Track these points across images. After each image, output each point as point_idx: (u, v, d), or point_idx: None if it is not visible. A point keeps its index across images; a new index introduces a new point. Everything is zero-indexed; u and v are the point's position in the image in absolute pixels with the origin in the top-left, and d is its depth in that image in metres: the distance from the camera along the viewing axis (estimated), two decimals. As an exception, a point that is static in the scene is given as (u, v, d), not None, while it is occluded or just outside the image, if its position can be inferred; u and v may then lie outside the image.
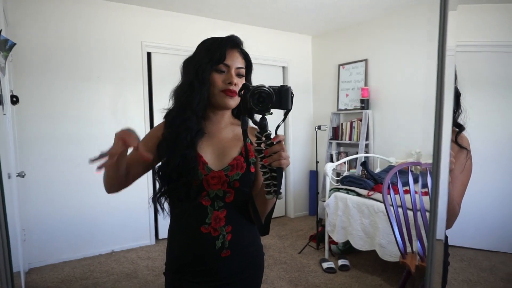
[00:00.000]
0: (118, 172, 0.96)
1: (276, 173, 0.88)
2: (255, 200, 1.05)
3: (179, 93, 1.07)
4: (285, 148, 0.87)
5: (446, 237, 1.31)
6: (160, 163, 1.05)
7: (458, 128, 1.16)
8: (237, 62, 1.07)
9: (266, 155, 0.87)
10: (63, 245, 3.25)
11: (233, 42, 1.08)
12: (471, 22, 3.22)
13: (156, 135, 1.06)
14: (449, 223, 1.13)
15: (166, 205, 1.09)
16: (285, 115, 0.89)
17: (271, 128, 0.88)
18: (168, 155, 1.02)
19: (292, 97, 0.89)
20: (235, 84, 1.05)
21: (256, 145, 0.89)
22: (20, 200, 2.92)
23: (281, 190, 0.90)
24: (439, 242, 0.49)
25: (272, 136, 0.88)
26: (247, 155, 0.99)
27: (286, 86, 0.88)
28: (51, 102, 3.18)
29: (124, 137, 0.86)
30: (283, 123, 0.89)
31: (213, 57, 1.04)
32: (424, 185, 2.61)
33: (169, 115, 1.08)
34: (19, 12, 3.01)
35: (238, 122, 1.13)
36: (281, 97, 0.88)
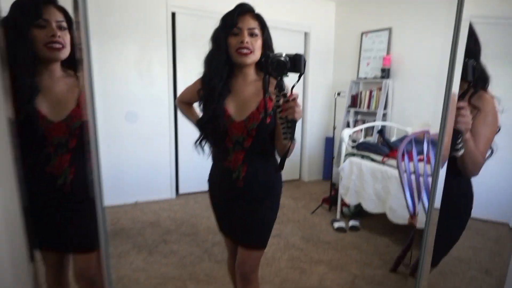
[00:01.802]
0: None
1: (290, 123, 1.14)
2: (277, 143, 1.35)
3: (205, 60, 1.35)
4: (298, 103, 1.13)
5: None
6: (199, 118, 1.42)
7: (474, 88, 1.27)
8: (248, 24, 1.28)
9: (284, 108, 1.13)
10: (91, 194, 3.49)
11: (242, 8, 1.29)
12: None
13: (196, 88, 1.40)
14: (474, 172, 1.32)
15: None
16: (299, 77, 1.12)
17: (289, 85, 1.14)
18: (203, 110, 1.37)
19: (305, 63, 1.12)
20: (247, 42, 1.26)
21: (275, 101, 1.15)
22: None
23: (294, 137, 1.17)
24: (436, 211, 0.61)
25: (288, 94, 1.13)
26: (266, 108, 1.24)
27: (299, 54, 1.11)
28: (81, 58, 3.30)
29: None
30: (302, 87, 1.11)
31: (226, 24, 1.28)
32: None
33: (202, 78, 1.36)
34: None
35: (261, 78, 1.32)
36: (295, 63, 1.11)
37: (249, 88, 1.34)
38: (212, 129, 1.34)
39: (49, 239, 1.29)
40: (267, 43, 1.33)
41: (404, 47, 3.91)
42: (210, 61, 1.32)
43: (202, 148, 1.41)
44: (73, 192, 1.25)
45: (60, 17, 1.16)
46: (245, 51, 1.26)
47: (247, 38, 1.26)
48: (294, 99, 1.12)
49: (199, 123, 1.39)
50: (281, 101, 1.13)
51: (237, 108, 1.33)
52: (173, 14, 3.76)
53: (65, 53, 1.19)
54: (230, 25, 1.27)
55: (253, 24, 1.28)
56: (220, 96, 1.31)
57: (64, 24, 1.17)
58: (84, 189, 1.37)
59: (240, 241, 1.44)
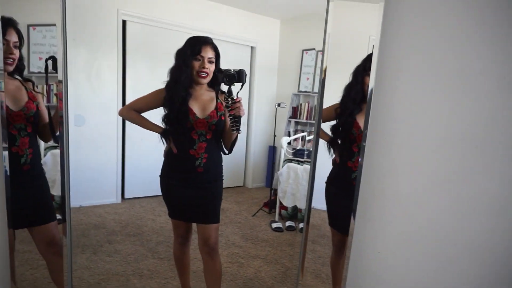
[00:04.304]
0: None
1: (237, 119, 1.66)
2: (225, 135, 1.82)
3: (173, 72, 1.76)
4: (242, 104, 1.66)
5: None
6: (164, 114, 1.77)
7: None
8: (208, 53, 1.73)
9: (232, 108, 1.65)
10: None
11: (206, 41, 1.75)
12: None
13: (158, 96, 1.77)
14: None
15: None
16: (242, 85, 1.67)
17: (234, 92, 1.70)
18: (170, 109, 1.74)
19: (246, 76, 1.67)
20: (206, 68, 1.73)
21: (225, 103, 1.67)
22: None
23: (240, 128, 1.68)
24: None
25: (235, 98, 1.64)
26: (217, 109, 1.77)
27: (243, 70, 1.66)
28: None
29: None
30: (248, 99, 1.51)
31: (193, 50, 1.71)
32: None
33: (168, 85, 1.76)
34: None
35: (212, 90, 1.82)
36: (239, 76, 1.64)
37: (205, 95, 1.79)
38: (179, 124, 1.72)
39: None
40: (217, 66, 1.80)
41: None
42: (179, 73, 1.71)
43: (164, 140, 1.79)
44: (32, 170, 1.49)
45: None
46: (203, 74, 1.73)
47: (207, 65, 1.72)
48: (239, 101, 1.64)
49: (165, 119, 1.75)
50: (230, 102, 1.62)
51: (199, 109, 1.75)
52: (124, 22, 3.87)
53: None
54: (195, 52, 1.70)
55: (211, 54, 1.74)
56: (184, 99, 1.72)
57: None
58: (39, 167, 1.56)
59: (201, 220, 1.85)
